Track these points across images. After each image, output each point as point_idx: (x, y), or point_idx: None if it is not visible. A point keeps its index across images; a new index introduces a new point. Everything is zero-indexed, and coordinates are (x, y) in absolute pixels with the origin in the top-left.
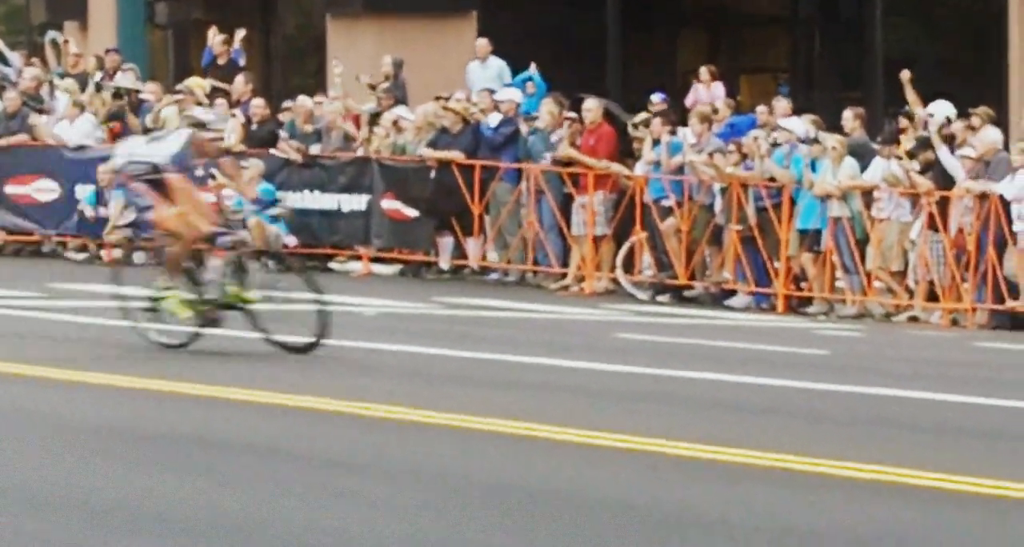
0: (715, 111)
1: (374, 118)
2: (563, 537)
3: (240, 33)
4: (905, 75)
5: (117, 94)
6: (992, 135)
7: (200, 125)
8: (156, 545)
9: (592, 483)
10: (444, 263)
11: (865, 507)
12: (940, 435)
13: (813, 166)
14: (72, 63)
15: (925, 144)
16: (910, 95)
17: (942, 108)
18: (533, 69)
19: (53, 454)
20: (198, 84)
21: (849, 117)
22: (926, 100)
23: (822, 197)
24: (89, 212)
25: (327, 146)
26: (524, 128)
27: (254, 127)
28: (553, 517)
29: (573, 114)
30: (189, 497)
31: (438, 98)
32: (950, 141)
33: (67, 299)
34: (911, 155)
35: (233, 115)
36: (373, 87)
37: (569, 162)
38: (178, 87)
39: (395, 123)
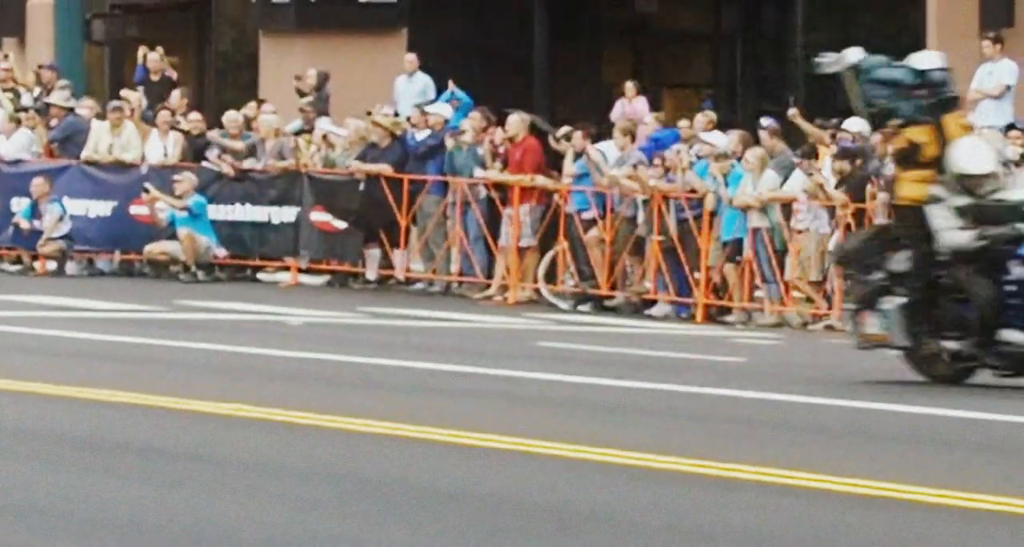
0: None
1: (300, 133)
2: (475, 537)
3: (170, 59)
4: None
5: (43, 111)
6: None
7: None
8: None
9: (507, 485)
10: (371, 274)
11: (774, 508)
12: (849, 439)
13: (732, 179)
14: (2, 78)
15: (843, 156)
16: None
17: (856, 125)
18: (452, 86)
19: None
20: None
21: (765, 136)
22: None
23: (742, 209)
24: (24, 224)
25: (261, 158)
26: (450, 143)
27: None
28: (467, 517)
29: (499, 130)
30: (116, 500)
31: (369, 113)
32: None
33: None
34: (841, 172)
35: (176, 128)
36: (303, 94)
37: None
38: (112, 105)
39: (324, 137)
